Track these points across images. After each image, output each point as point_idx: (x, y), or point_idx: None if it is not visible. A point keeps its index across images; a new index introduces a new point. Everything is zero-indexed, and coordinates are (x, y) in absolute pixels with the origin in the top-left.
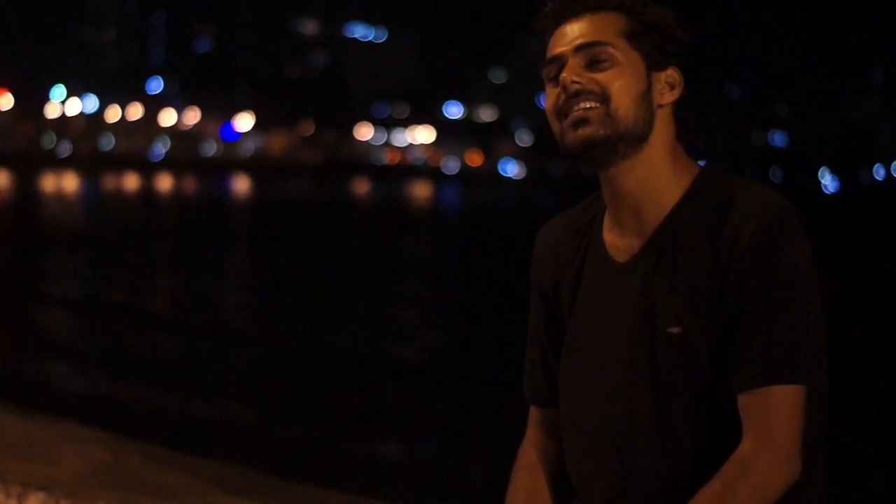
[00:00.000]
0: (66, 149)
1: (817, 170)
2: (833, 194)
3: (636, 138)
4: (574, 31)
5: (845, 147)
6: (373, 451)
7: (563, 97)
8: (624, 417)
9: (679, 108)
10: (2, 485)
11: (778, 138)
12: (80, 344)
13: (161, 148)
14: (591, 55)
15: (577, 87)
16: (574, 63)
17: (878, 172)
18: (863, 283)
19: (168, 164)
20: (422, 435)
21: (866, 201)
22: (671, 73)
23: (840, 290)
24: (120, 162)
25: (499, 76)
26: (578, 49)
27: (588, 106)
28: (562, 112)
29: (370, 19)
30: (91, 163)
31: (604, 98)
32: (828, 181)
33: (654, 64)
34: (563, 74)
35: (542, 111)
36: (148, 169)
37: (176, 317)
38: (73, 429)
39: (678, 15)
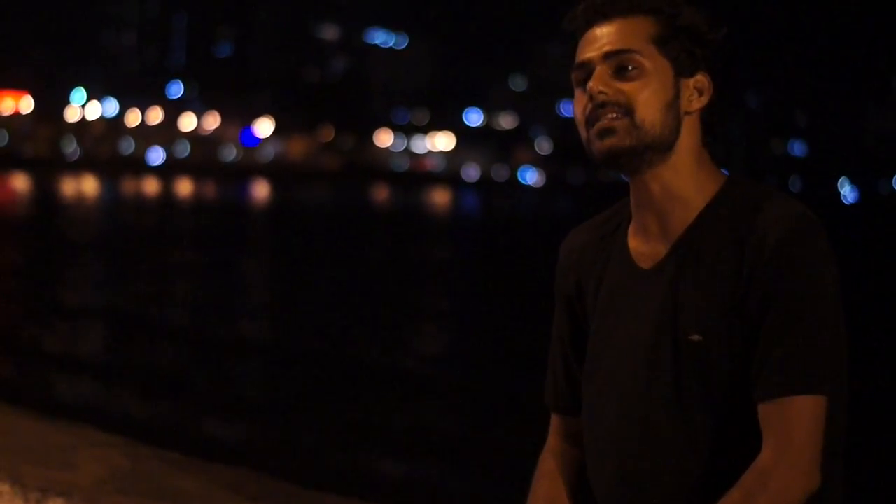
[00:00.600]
0: (84, 152)
1: (836, 180)
2: (852, 204)
3: (662, 147)
4: (603, 36)
5: (865, 157)
6: (386, 461)
7: (590, 106)
8: (643, 424)
9: (707, 113)
10: (21, 490)
11: (797, 147)
12: (97, 350)
13: (159, 151)
14: (619, 62)
15: (603, 97)
16: (602, 71)
17: None
18: (881, 294)
19: (188, 168)
20: (433, 447)
21: (886, 212)
22: (700, 79)
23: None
24: (139, 166)
25: (519, 84)
26: (607, 56)
27: (613, 116)
28: (589, 121)
29: (391, 25)
30: (110, 166)
31: (628, 110)
32: (847, 191)
33: (682, 70)
34: (591, 84)
35: (562, 119)
36: (166, 173)
37: (193, 324)
38: (92, 434)
39: (710, 15)
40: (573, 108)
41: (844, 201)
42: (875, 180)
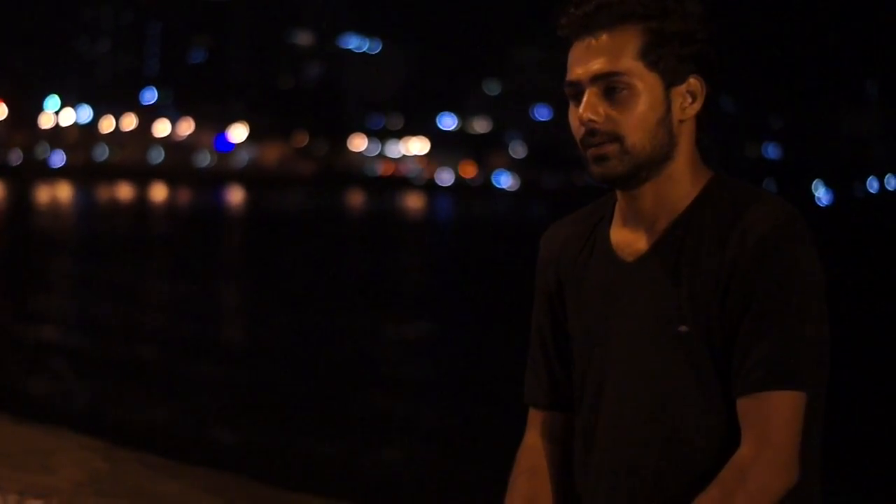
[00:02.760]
0: (59, 159)
1: (811, 182)
2: (827, 207)
3: (657, 162)
4: (591, 53)
5: (839, 159)
6: (367, 461)
7: (582, 131)
8: (629, 417)
9: (702, 113)
10: None
11: (772, 150)
12: (75, 354)
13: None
14: (608, 85)
15: (593, 125)
16: (591, 95)
17: (872, 185)
18: (857, 294)
19: (162, 174)
20: (415, 445)
21: (860, 214)
22: (692, 83)
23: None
24: (113, 172)
25: (493, 88)
26: (595, 79)
27: (604, 143)
28: (583, 144)
29: (364, 31)
30: (85, 173)
31: (617, 137)
32: (822, 194)
33: (673, 79)
34: (581, 111)
35: (537, 123)
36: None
37: (169, 328)
38: (70, 437)
39: (698, 7)
40: (570, 120)
41: (819, 204)
42: (849, 183)
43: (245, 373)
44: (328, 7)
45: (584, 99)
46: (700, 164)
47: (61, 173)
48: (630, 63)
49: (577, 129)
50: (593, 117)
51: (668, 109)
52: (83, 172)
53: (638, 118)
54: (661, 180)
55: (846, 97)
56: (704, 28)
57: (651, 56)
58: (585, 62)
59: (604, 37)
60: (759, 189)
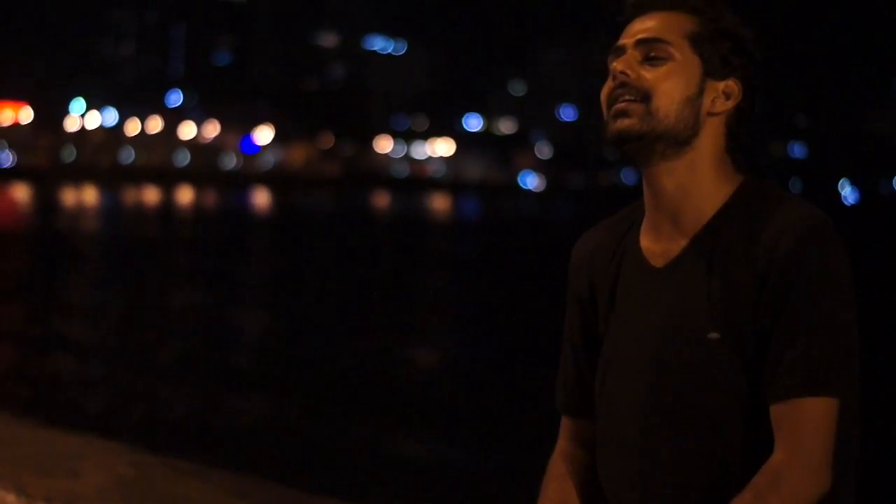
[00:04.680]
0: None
1: (837, 181)
2: (853, 205)
3: (676, 140)
4: (642, 25)
5: (865, 158)
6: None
7: (612, 86)
8: (656, 422)
9: (735, 120)
10: (26, 499)
11: (797, 149)
12: (101, 357)
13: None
14: (649, 50)
15: (624, 77)
16: (631, 55)
17: None
18: (885, 295)
19: (188, 176)
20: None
21: (886, 212)
22: (730, 84)
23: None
24: (139, 175)
25: (518, 88)
26: (639, 43)
27: (630, 99)
28: (609, 101)
29: (389, 32)
30: (111, 176)
31: (646, 96)
32: (847, 192)
33: (712, 71)
34: (615, 64)
35: (562, 123)
36: (167, 182)
37: (197, 328)
38: (96, 442)
39: (754, 31)
40: (601, 93)
41: (845, 202)
42: (875, 181)
43: (268, 378)
44: (352, 8)
45: (623, 56)
46: (730, 167)
47: (87, 176)
48: (675, 37)
49: (608, 89)
50: (627, 70)
51: (700, 94)
52: (109, 175)
53: (670, 85)
54: (681, 166)
55: (872, 96)
56: (757, 49)
57: (698, 41)
58: (634, 32)
59: (658, 15)
60: (789, 194)
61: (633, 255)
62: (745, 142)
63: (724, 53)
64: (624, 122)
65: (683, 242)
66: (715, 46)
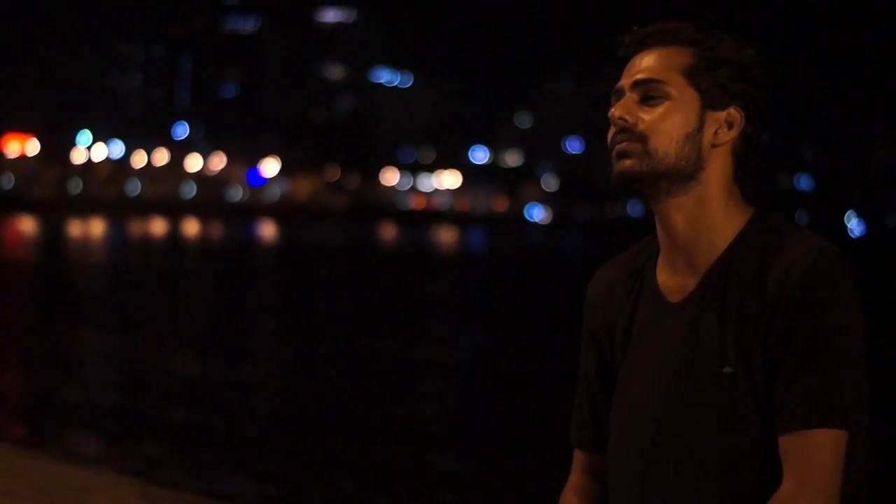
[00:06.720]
0: (91, 194)
1: (843, 213)
2: (859, 238)
3: (680, 176)
4: (639, 66)
5: (872, 190)
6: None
7: (613, 131)
8: (669, 457)
9: (742, 147)
10: None
11: (804, 182)
12: (110, 388)
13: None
14: (646, 91)
15: (622, 123)
16: (629, 98)
17: None
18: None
19: (194, 208)
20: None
21: (893, 245)
22: (732, 113)
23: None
24: (146, 207)
25: (524, 121)
26: (635, 85)
27: (629, 141)
28: (611, 144)
29: (396, 64)
30: (117, 208)
31: (642, 137)
32: (854, 225)
33: (712, 103)
34: (613, 110)
35: (569, 156)
36: (174, 214)
37: (206, 362)
38: (106, 475)
39: (759, 53)
40: (607, 135)
41: (851, 235)
42: (882, 213)
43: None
44: (359, 41)
45: (621, 101)
46: (739, 198)
47: (93, 208)
48: (671, 74)
49: (610, 134)
50: (624, 115)
51: (700, 129)
52: (115, 207)
53: (666, 125)
54: (689, 202)
55: (878, 128)
56: (760, 72)
57: (694, 75)
58: (632, 73)
59: (655, 52)
60: (799, 226)
61: (651, 291)
62: (753, 168)
63: (723, 81)
64: (625, 164)
65: (698, 278)
66: (713, 75)
